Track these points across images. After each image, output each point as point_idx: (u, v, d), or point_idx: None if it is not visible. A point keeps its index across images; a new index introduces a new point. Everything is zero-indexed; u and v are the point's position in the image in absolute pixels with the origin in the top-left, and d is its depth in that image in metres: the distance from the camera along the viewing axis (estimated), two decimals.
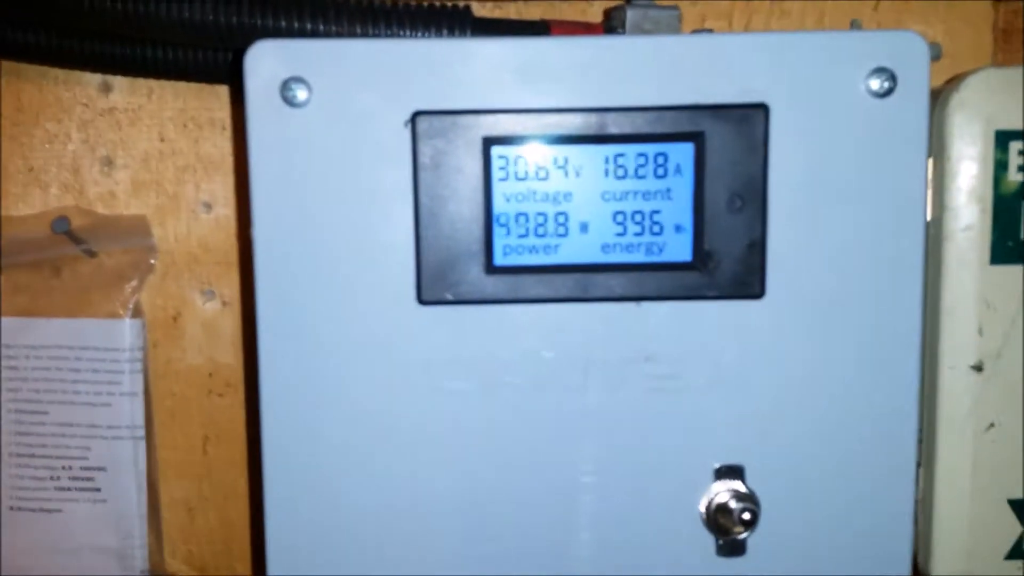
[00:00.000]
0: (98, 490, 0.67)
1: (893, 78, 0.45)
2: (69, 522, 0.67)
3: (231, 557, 0.70)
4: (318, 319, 0.47)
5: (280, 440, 0.48)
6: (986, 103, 0.50)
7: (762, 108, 0.45)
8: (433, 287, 0.46)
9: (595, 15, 0.64)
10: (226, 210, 0.66)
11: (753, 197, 0.46)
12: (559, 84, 0.46)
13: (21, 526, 0.67)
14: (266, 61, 0.45)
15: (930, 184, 0.51)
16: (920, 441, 0.52)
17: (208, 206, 0.66)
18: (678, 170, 0.46)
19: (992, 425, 0.52)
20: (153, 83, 0.65)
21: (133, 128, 0.66)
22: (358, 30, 0.52)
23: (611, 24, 0.53)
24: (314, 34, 0.52)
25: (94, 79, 0.65)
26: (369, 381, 0.47)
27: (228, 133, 0.65)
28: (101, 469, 0.66)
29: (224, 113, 0.65)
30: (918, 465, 0.52)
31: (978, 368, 0.52)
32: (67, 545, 0.67)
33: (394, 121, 0.45)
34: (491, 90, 0.46)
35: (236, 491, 0.69)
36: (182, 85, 0.65)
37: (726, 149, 0.46)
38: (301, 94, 0.45)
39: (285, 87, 0.45)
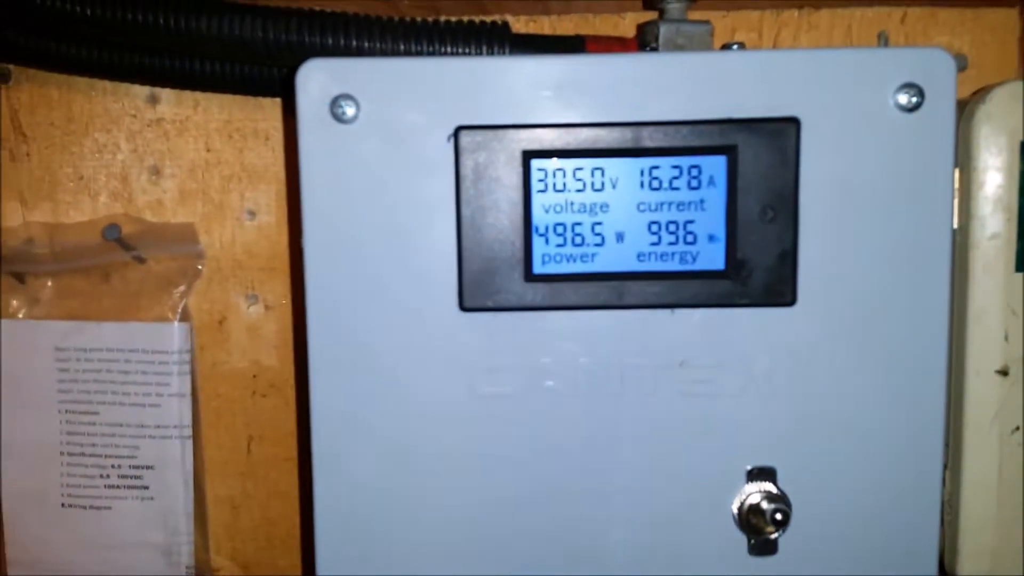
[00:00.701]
0: (146, 488, 0.69)
1: (921, 93, 0.46)
2: (118, 519, 0.69)
3: (273, 554, 0.72)
4: (365, 325, 0.48)
5: (328, 442, 0.49)
6: (1012, 115, 0.51)
7: (794, 122, 0.47)
8: (474, 294, 0.48)
9: (627, 28, 0.65)
10: (269, 217, 0.68)
11: (785, 208, 0.47)
12: (596, 99, 0.47)
13: (72, 522, 0.69)
14: (316, 79, 0.46)
15: (957, 193, 0.52)
16: (947, 444, 0.53)
17: (252, 214, 0.68)
18: (711, 182, 0.48)
19: (1017, 428, 0.53)
20: (199, 95, 0.67)
21: (180, 138, 0.68)
22: (401, 47, 0.53)
23: (644, 39, 0.54)
24: (359, 51, 0.53)
25: (142, 91, 0.67)
26: (413, 384, 0.49)
27: (272, 143, 0.67)
28: (149, 468, 0.68)
29: (267, 124, 0.67)
30: (945, 467, 0.53)
31: (1004, 373, 0.52)
32: (115, 541, 0.69)
33: (438, 136, 0.47)
34: (530, 105, 0.47)
35: (279, 489, 0.71)
36: (227, 97, 0.67)
37: (758, 161, 0.47)
38: (349, 110, 0.47)
39: (334, 104, 0.46)
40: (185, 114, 0.68)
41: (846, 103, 0.47)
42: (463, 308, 0.48)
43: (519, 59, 0.49)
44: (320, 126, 0.47)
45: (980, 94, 0.52)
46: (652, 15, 0.56)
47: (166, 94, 0.67)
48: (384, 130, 0.47)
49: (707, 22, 0.53)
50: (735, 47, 0.53)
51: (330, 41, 0.53)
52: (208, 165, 0.68)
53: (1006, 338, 0.52)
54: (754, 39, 0.66)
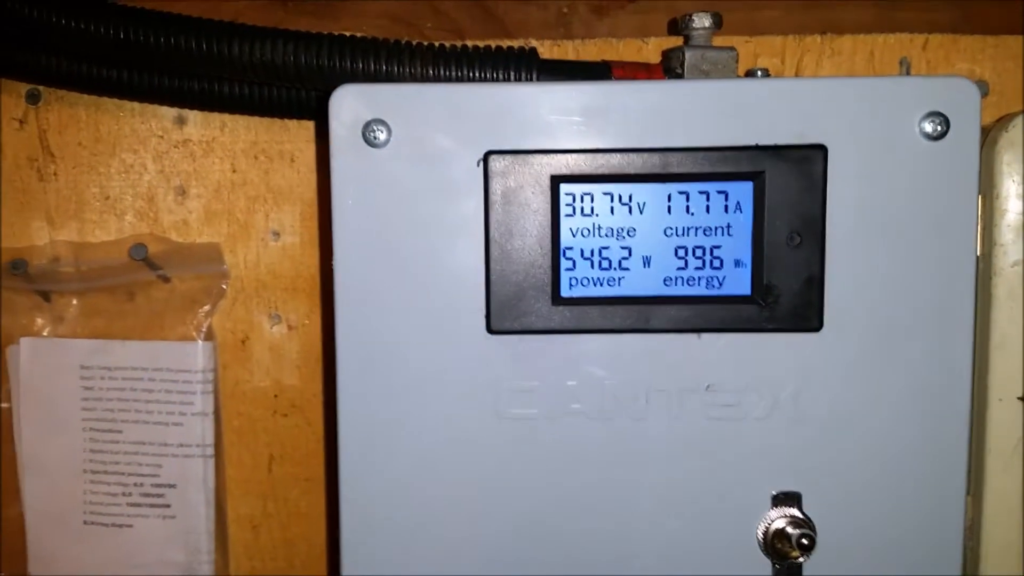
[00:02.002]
0: (168, 506, 0.69)
1: (946, 122, 0.47)
2: (140, 537, 0.70)
3: (293, 574, 0.72)
4: (394, 345, 0.49)
5: (356, 460, 0.50)
6: None
7: (821, 149, 0.47)
8: (502, 317, 0.49)
9: (650, 52, 0.66)
10: (293, 238, 0.69)
11: (811, 234, 0.48)
12: (623, 125, 0.48)
13: (94, 540, 0.70)
14: (349, 104, 0.47)
15: (980, 220, 0.52)
16: (969, 470, 0.53)
17: (277, 234, 0.69)
18: (738, 207, 0.48)
19: None
20: (226, 117, 0.68)
21: (206, 159, 0.69)
22: (431, 71, 0.54)
23: (669, 64, 0.55)
24: (389, 75, 0.54)
25: (170, 112, 0.68)
26: (440, 405, 0.49)
27: (297, 165, 0.68)
28: (171, 486, 0.69)
29: (293, 145, 0.68)
30: (967, 493, 0.53)
31: None
32: (137, 560, 0.70)
33: (467, 160, 0.48)
34: (559, 131, 0.48)
35: (299, 509, 0.71)
36: (254, 119, 0.68)
37: (785, 188, 0.47)
38: (381, 135, 0.47)
39: (367, 128, 0.47)
40: (212, 135, 0.68)
41: (872, 131, 0.47)
42: (491, 331, 0.49)
43: (547, 86, 0.50)
44: (352, 150, 0.47)
45: (1003, 122, 0.52)
46: (676, 40, 0.57)
47: (193, 115, 0.68)
48: (415, 154, 0.48)
49: (732, 48, 0.53)
50: (759, 73, 0.53)
51: (360, 65, 0.54)
52: (234, 186, 0.69)
53: None
54: (777, 64, 0.66)
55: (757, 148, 0.47)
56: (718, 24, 0.54)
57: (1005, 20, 0.67)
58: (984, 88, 0.66)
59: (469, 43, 0.59)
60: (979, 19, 0.67)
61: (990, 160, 0.52)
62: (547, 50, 0.66)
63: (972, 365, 0.49)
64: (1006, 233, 0.52)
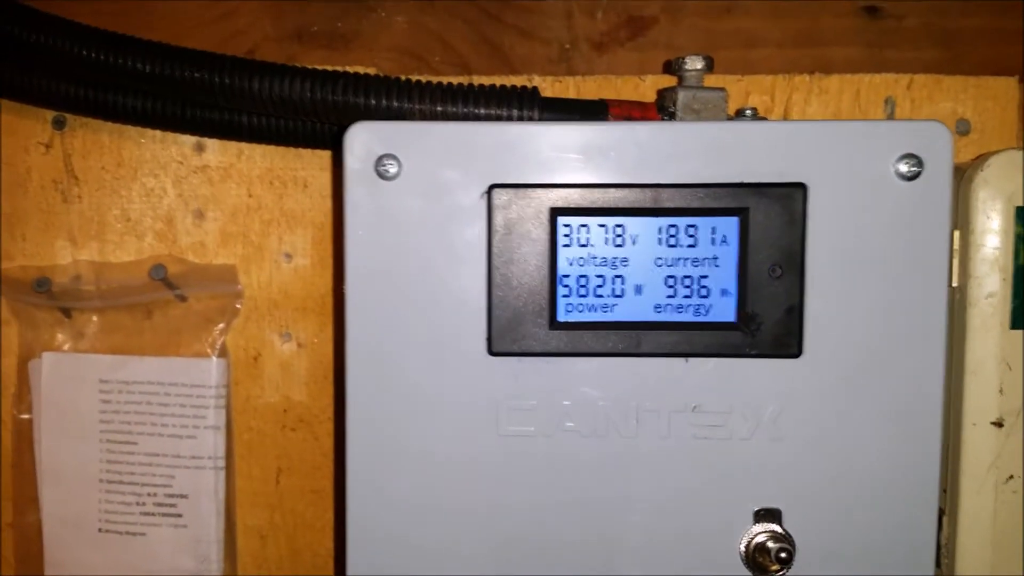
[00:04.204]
0: (180, 516, 0.71)
1: (920, 163, 0.50)
2: (152, 545, 0.72)
3: None
4: (400, 365, 0.52)
5: (363, 472, 0.52)
6: (1008, 181, 0.54)
7: (801, 187, 0.50)
8: (503, 340, 0.51)
9: (647, 89, 0.69)
10: (305, 260, 0.72)
11: (792, 266, 0.51)
12: (618, 163, 0.51)
13: (109, 547, 0.72)
14: (362, 139, 0.50)
15: (957, 254, 0.54)
16: (945, 491, 0.56)
17: (289, 256, 0.72)
18: (724, 240, 0.51)
19: (1011, 477, 0.55)
20: (243, 145, 0.71)
21: (223, 184, 0.71)
22: (439, 108, 0.57)
23: (663, 104, 0.58)
24: (400, 111, 0.57)
25: (189, 140, 0.71)
26: (444, 421, 0.52)
27: (310, 191, 0.71)
28: (183, 496, 0.71)
29: (306, 172, 0.71)
30: (943, 513, 0.56)
31: (999, 424, 0.55)
32: (149, 566, 0.72)
33: (472, 193, 0.51)
34: (557, 167, 0.51)
35: (305, 520, 0.73)
36: (270, 147, 0.70)
37: (768, 223, 0.50)
38: (392, 168, 0.50)
39: (379, 162, 0.50)
40: (229, 162, 0.71)
41: (850, 171, 0.50)
42: (492, 352, 0.52)
43: (547, 125, 0.53)
44: (365, 182, 0.50)
45: (979, 161, 0.55)
46: (671, 79, 0.59)
47: (212, 143, 0.71)
48: (423, 187, 0.51)
49: (722, 89, 0.56)
50: (748, 112, 0.56)
51: (373, 102, 0.57)
52: (249, 210, 0.71)
53: (1001, 391, 0.54)
54: (767, 102, 0.69)
55: (742, 185, 0.50)
56: (709, 67, 0.57)
57: (990, 60, 0.70)
58: (965, 126, 0.69)
59: (476, 80, 0.62)
60: (966, 59, 0.70)
61: (967, 197, 0.54)
62: (548, 86, 0.69)
63: (944, 391, 0.52)
64: (981, 266, 0.54)
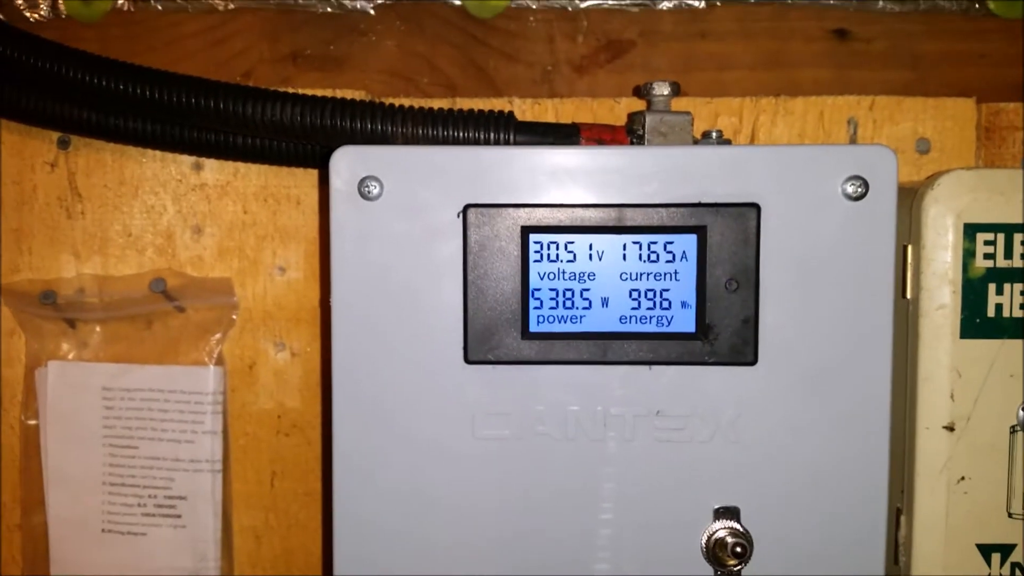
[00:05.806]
0: (179, 517, 0.74)
1: (866, 184, 0.53)
2: (152, 545, 0.74)
3: None
4: (382, 373, 0.55)
5: (349, 474, 0.55)
6: (956, 199, 0.56)
7: (755, 207, 0.53)
8: (478, 349, 0.54)
9: (621, 111, 0.71)
10: (297, 273, 0.74)
11: (747, 280, 0.54)
12: (585, 185, 0.54)
13: (111, 547, 0.74)
14: (347, 162, 0.53)
15: (910, 267, 0.57)
16: (902, 492, 0.58)
17: (283, 270, 0.74)
18: (684, 256, 0.54)
19: (963, 478, 0.57)
20: (239, 164, 0.73)
21: (220, 201, 0.74)
22: (420, 131, 0.60)
23: (632, 127, 0.60)
24: (384, 134, 0.59)
25: (188, 159, 0.74)
26: (423, 426, 0.55)
27: (303, 207, 0.74)
28: (182, 498, 0.74)
29: (299, 190, 0.73)
30: (900, 512, 0.58)
31: (950, 428, 0.56)
32: (149, 565, 0.74)
33: (449, 212, 0.54)
34: (529, 188, 0.54)
35: (298, 521, 0.76)
36: (264, 166, 0.73)
37: (724, 240, 0.53)
38: (375, 189, 0.53)
39: (362, 184, 0.53)
40: (226, 180, 0.74)
41: (801, 192, 0.53)
42: (468, 361, 0.54)
43: (519, 150, 0.56)
44: (349, 202, 0.53)
45: (930, 179, 0.56)
46: (641, 104, 0.62)
47: (209, 163, 0.73)
48: (404, 207, 0.54)
49: (687, 113, 0.59)
50: (714, 134, 0.59)
51: (359, 125, 0.60)
52: (245, 226, 0.74)
53: (952, 397, 0.56)
54: (735, 123, 0.71)
55: (700, 205, 0.53)
56: (676, 91, 0.59)
57: (954, 81, 0.73)
58: (926, 145, 0.71)
59: (461, 102, 0.64)
60: (931, 80, 0.73)
61: (918, 214, 0.56)
62: (528, 107, 0.72)
63: (891, 396, 0.54)
64: (931, 280, 0.56)
